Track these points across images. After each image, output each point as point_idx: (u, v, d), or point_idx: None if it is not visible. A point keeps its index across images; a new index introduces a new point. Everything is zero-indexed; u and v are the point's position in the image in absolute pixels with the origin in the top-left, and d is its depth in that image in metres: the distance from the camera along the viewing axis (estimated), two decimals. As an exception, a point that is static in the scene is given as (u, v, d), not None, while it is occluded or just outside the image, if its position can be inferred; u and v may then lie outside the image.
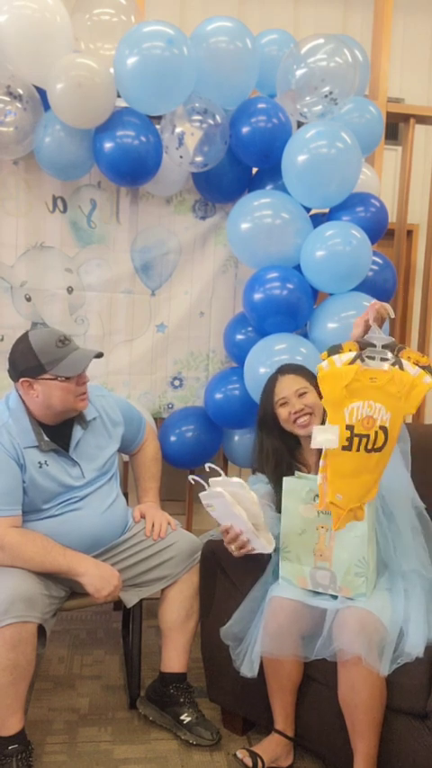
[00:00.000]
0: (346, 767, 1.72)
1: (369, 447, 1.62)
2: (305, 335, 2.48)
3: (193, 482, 1.86)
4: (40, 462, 1.94)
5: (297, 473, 1.95)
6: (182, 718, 2.03)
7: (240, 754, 1.84)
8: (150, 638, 2.49)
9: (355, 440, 1.62)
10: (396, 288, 2.63)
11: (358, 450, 1.62)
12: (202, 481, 1.84)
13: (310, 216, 2.49)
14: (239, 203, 2.46)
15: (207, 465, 1.89)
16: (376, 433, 1.61)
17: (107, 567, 1.93)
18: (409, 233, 4.11)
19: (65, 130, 2.27)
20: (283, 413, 2.01)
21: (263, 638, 1.79)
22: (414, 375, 1.58)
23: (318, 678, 1.82)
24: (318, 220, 2.48)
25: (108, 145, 2.26)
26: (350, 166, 2.34)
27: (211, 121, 2.28)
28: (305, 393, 2.00)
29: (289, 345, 2.34)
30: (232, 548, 1.82)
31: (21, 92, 2.24)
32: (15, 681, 1.75)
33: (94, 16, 2.27)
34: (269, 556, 1.96)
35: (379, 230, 2.51)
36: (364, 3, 3.69)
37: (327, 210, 2.56)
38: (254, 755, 1.82)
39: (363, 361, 1.64)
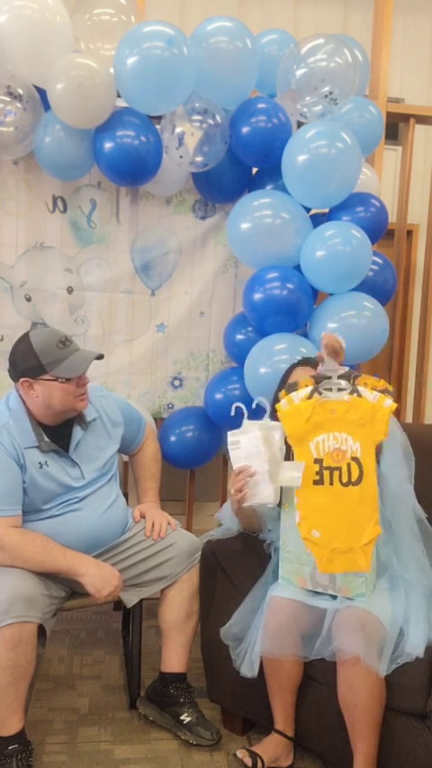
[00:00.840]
0: (346, 767, 1.72)
1: (344, 481, 1.61)
2: (305, 335, 2.48)
3: (234, 409, 1.85)
4: (40, 463, 1.94)
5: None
6: (182, 718, 2.03)
7: (240, 753, 1.84)
8: (150, 638, 2.49)
9: (326, 473, 1.61)
10: (396, 288, 2.63)
11: (332, 483, 1.61)
12: (244, 408, 1.84)
13: (310, 216, 2.49)
14: (239, 203, 2.46)
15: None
16: (349, 465, 1.60)
17: (107, 566, 1.93)
18: (409, 233, 4.11)
19: (65, 130, 2.27)
20: None
21: (263, 637, 1.79)
22: (373, 401, 1.58)
23: (318, 678, 1.82)
24: (318, 220, 2.48)
25: (108, 145, 2.26)
26: (350, 166, 2.34)
27: (211, 121, 2.28)
28: None
29: (289, 345, 2.34)
30: (232, 491, 1.76)
31: (21, 92, 2.24)
32: (15, 681, 1.75)
33: (94, 16, 2.27)
34: (269, 555, 1.96)
35: (379, 230, 2.51)
36: (364, 3, 3.68)
37: (327, 210, 2.56)
38: (254, 755, 1.82)
39: (320, 394, 1.64)
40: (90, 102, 2.19)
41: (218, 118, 2.30)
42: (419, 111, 3.04)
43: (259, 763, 1.81)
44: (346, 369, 1.66)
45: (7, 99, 2.22)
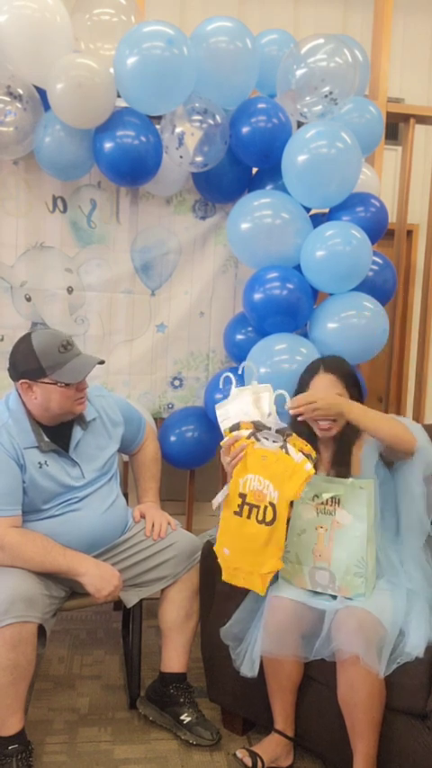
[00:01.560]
0: (345, 767, 1.72)
1: (259, 518, 1.76)
2: (305, 335, 2.47)
3: (224, 379, 1.95)
4: (40, 463, 1.94)
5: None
6: (182, 718, 2.03)
7: (240, 753, 1.84)
8: (150, 638, 2.49)
9: (246, 508, 1.78)
10: (396, 288, 2.63)
11: (249, 517, 1.77)
12: (233, 377, 1.94)
13: (310, 216, 2.49)
14: (239, 203, 2.46)
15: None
16: (266, 507, 1.75)
17: (107, 566, 1.93)
18: (409, 233, 4.11)
19: (65, 130, 2.27)
20: None
21: (263, 637, 1.79)
22: (297, 461, 1.71)
23: (318, 678, 1.82)
24: (318, 220, 2.48)
25: (108, 145, 2.26)
26: (350, 166, 2.34)
27: (211, 121, 2.28)
28: None
29: (289, 345, 2.34)
30: (227, 459, 1.81)
31: (21, 92, 2.24)
32: (15, 681, 1.75)
33: (94, 16, 2.27)
34: None
35: (379, 230, 2.51)
36: (364, 3, 3.68)
37: (327, 210, 2.56)
38: (254, 755, 1.82)
39: (258, 440, 1.78)
40: (90, 102, 2.19)
41: (218, 118, 2.30)
42: (419, 111, 3.05)
43: (259, 763, 1.81)
44: (284, 425, 1.78)
45: (7, 99, 2.22)
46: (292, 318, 2.40)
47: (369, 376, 2.87)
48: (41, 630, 1.83)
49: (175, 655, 2.08)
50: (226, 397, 1.99)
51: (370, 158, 2.77)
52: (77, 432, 2.03)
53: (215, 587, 2.04)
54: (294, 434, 1.77)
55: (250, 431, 1.79)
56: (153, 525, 2.12)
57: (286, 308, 2.37)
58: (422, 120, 3.04)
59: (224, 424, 1.87)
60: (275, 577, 1.90)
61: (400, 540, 1.91)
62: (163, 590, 2.09)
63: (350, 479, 1.83)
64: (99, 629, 2.73)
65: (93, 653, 2.54)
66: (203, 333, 2.77)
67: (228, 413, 1.88)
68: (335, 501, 1.80)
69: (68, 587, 1.99)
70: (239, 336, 2.58)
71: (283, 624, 1.78)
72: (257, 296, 2.38)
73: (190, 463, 2.74)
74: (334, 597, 1.81)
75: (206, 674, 2.09)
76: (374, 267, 2.49)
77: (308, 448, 1.74)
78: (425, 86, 4.23)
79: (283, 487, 1.73)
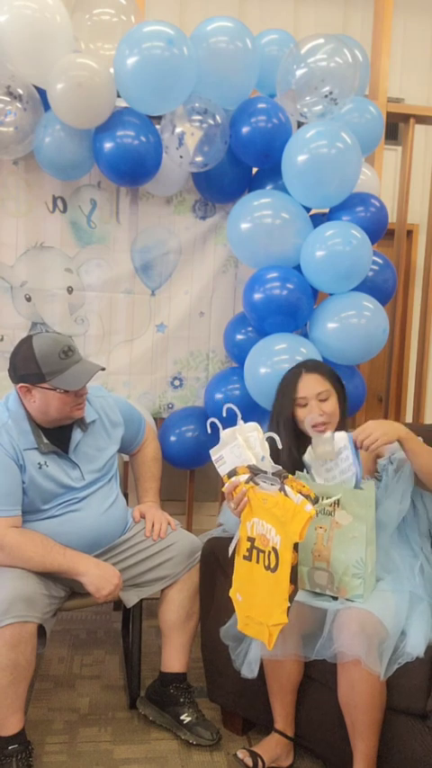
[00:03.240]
0: (345, 767, 1.72)
1: (266, 564, 1.71)
2: (305, 335, 2.48)
3: (210, 425, 1.90)
4: (39, 463, 1.94)
5: (297, 473, 1.94)
6: (182, 718, 2.03)
7: (240, 754, 1.84)
8: (150, 638, 2.49)
9: (254, 552, 1.74)
10: (396, 288, 2.63)
11: (257, 562, 1.73)
12: (218, 423, 1.89)
13: (310, 216, 2.49)
14: (239, 203, 2.46)
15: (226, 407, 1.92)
16: (269, 552, 1.71)
17: (107, 566, 1.93)
18: (409, 233, 4.11)
19: (65, 130, 2.27)
20: (301, 413, 1.96)
21: (263, 638, 1.79)
22: (297, 503, 1.67)
23: (318, 678, 1.82)
24: (318, 220, 2.48)
25: (108, 145, 2.26)
26: (350, 166, 2.34)
27: (211, 121, 2.28)
28: (327, 398, 1.95)
29: (289, 345, 2.34)
30: (232, 505, 1.78)
31: (21, 92, 2.24)
32: (15, 681, 1.75)
33: (94, 16, 2.27)
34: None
35: (379, 230, 2.51)
36: (364, 3, 3.69)
37: (327, 210, 2.56)
38: (254, 755, 1.82)
39: (256, 483, 1.74)
40: (90, 102, 2.19)
41: (218, 118, 2.30)
42: (419, 111, 3.05)
43: (259, 763, 1.81)
44: (279, 468, 1.76)
45: (7, 99, 2.22)
46: (292, 318, 2.40)
47: (369, 376, 2.87)
48: (41, 630, 1.83)
49: (175, 655, 2.08)
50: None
51: (370, 158, 2.77)
52: (77, 433, 2.03)
53: (215, 587, 2.04)
54: (290, 476, 1.75)
55: (248, 475, 1.76)
56: (153, 525, 2.12)
57: (286, 308, 2.37)
58: (422, 120, 3.04)
59: (222, 469, 1.85)
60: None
61: (414, 552, 1.91)
62: (163, 590, 2.09)
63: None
64: (99, 629, 2.73)
65: (93, 653, 2.54)
66: (203, 333, 2.77)
67: (223, 457, 1.86)
68: (335, 501, 1.80)
69: (68, 587, 1.99)
70: (239, 336, 2.58)
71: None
72: (257, 296, 2.38)
73: (190, 463, 2.74)
74: (335, 598, 1.80)
75: (206, 674, 2.09)
76: (374, 267, 2.49)
77: (306, 489, 1.71)
78: (425, 86, 4.23)
79: (284, 531, 1.68)
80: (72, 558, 1.89)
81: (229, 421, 1.88)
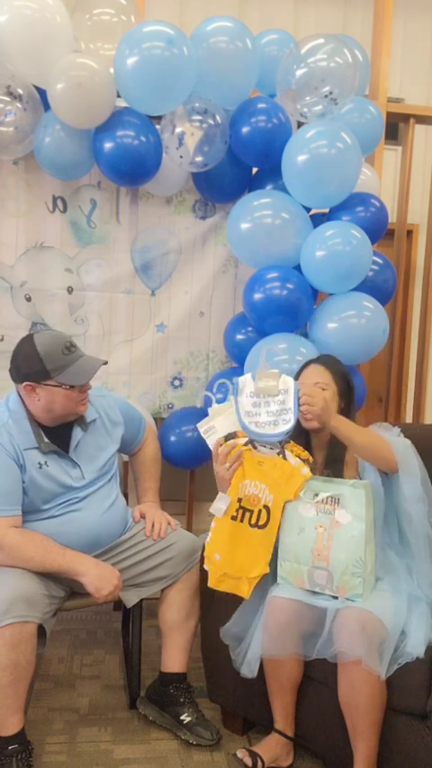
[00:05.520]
0: (345, 767, 1.72)
1: (252, 522, 1.86)
2: (305, 335, 2.48)
3: (204, 399, 2.06)
4: (40, 463, 1.94)
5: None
6: (182, 718, 2.03)
7: (240, 753, 1.84)
8: (150, 638, 2.49)
9: (240, 512, 1.88)
10: (396, 288, 2.63)
11: (242, 521, 1.88)
12: (212, 396, 2.07)
13: (310, 216, 2.49)
14: (239, 203, 2.46)
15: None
16: (260, 511, 1.86)
17: (107, 566, 1.93)
18: (409, 233, 4.11)
19: (65, 130, 2.27)
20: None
21: (263, 638, 1.79)
22: (294, 465, 1.83)
23: (318, 678, 1.82)
24: (318, 220, 2.48)
25: (108, 145, 2.26)
26: (350, 166, 2.34)
27: (211, 121, 2.28)
28: (324, 390, 1.95)
29: (289, 345, 2.34)
30: (226, 466, 1.87)
31: (21, 92, 2.24)
32: (15, 681, 1.75)
33: (94, 16, 2.27)
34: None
35: (379, 230, 2.51)
36: (364, 3, 3.69)
37: (327, 210, 2.56)
38: (254, 755, 1.82)
39: (255, 447, 1.88)
40: (90, 102, 2.19)
41: (218, 118, 2.30)
42: (419, 111, 3.05)
43: (259, 763, 1.81)
44: None
45: (7, 99, 2.22)
46: (292, 318, 2.40)
47: (369, 376, 2.87)
48: (41, 630, 1.83)
49: (175, 655, 2.08)
50: (222, 401, 2.03)
51: (370, 158, 2.77)
52: (77, 432, 2.03)
53: (215, 587, 2.05)
54: (291, 441, 1.85)
55: (246, 439, 1.87)
56: (153, 525, 2.11)
57: (286, 308, 2.37)
58: (422, 120, 3.04)
59: (211, 439, 1.95)
60: (274, 579, 1.90)
61: (406, 546, 1.91)
62: (163, 590, 2.09)
63: (352, 480, 1.83)
64: (99, 629, 2.73)
65: (93, 653, 2.54)
66: (203, 333, 2.77)
67: (214, 427, 1.95)
68: (334, 500, 1.80)
69: (68, 587, 1.98)
70: (239, 336, 2.58)
71: (282, 623, 1.78)
72: (257, 296, 2.38)
73: (190, 463, 2.74)
74: (335, 597, 1.80)
75: (206, 674, 2.09)
76: (374, 267, 2.49)
77: (305, 454, 1.85)
78: (425, 86, 4.24)
79: (279, 490, 1.82)
80: (72, 558, 1.89)
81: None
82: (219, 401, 2.06)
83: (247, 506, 1.87)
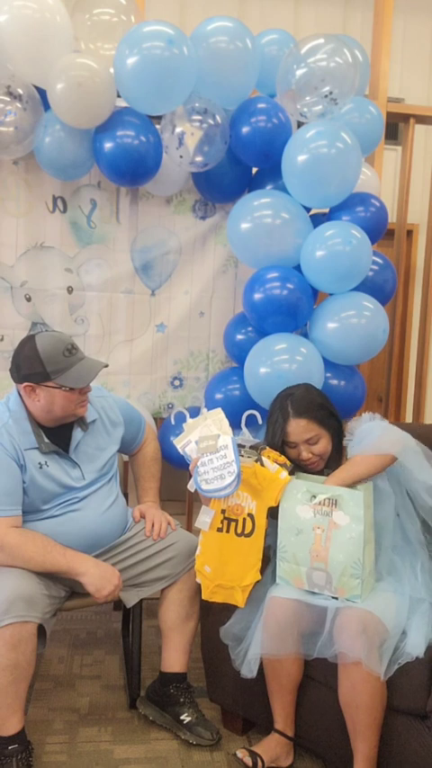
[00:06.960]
0: (345, 767, 1.72)
1: (239, 532, 1.89)
2: (305, 335, 2.47)
3: (175, 417, 2.09)
4: (40, 463, 1.94)
5: (297, 473, 1.95)
6: (182, 718, 2.03)
7: (240, 753, 1.84)
8: (150, 638, 2.49)
9: (225, 522, 1.91)
10: (396, 288, 2.63)
11: (228, 532, 1.91)
12: (186, 412, 2.11)
13: (310, 216, 2.49)
14: (239, 203, 2.46)
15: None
16: (244, 519, 1.89)
17: (107, 566, 1.93)
18: (409, 233, 4.11)
19: (65, 130, 2.27)
20: (291, 453, 1.96)
21: (263, 638, 1.79)
22: (273, 471, 1.86)
23: (318, 678, 1.82)
24: (318, 220, 2.48)
25: (108, 145, 2.26)
26: (350, 166, 2.34)
27: (211, 121, 2.28)
28: (317, 441, 1.94)
29: (289, 345, 2.34)
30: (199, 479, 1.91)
31: (21, 92, 2.24)
32: (15, 681, 1.75)
33: (94, 16, 2.27)
34: (267, 557, 1.96)
35: (379, 230, 2.51)
36: (364, 3, 3.69)
37: (327, 210, 2.56)
38: (254, 755, 1.82)
39: None
40: (90, 102, 2.18)
41: (218, 118, 2.30)
42: (419, 111, 3.04)
43: (259, 763, 1.81)
44: (257, 441, 1.96)
45: (7, 99, 2.22)
46: (292, 318, 2.40)
47: (369, 376, 2.87)
48: (41, 630, 1.83)
49: (175, 655, 2.08)
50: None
51: (370, 158, 2.77)
52: (78, 433, 2.03)
53: (215, 587, 2.04)
54: (268, 447, 1.89)
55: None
56: (153, 525, 2.12)
57: (286, 308, 2.36)
58: (422, 120, 3.04)
59: (191, 454, 1.98)
60: (274, 579, 1.90)
61: (417, 553, 1.92)
62: (163, 590, 2.09)
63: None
64: (99, 629, 2.73)
65: (93, 653, 2.54)
66: (203, 333, 2.77)
67: (191, 442, 1.99)
68: (332, 502, 1.80)
69: (68, 587, 1.99)
70: (239, 336, 2.57)
71: (282, 623, 1.78)
72: (257, 296, 2.38)
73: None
74: (335, 598, 1.80)
75: (206, 674, 2.09)
76: (374, 267, 2.48)
77: (282, 458, 1.89)
78: (425, 86, 4.24)
79: (260, 497, 1.86)
80: (72, 558, 1.89)
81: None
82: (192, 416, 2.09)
83: (231, 516, 1.90)
